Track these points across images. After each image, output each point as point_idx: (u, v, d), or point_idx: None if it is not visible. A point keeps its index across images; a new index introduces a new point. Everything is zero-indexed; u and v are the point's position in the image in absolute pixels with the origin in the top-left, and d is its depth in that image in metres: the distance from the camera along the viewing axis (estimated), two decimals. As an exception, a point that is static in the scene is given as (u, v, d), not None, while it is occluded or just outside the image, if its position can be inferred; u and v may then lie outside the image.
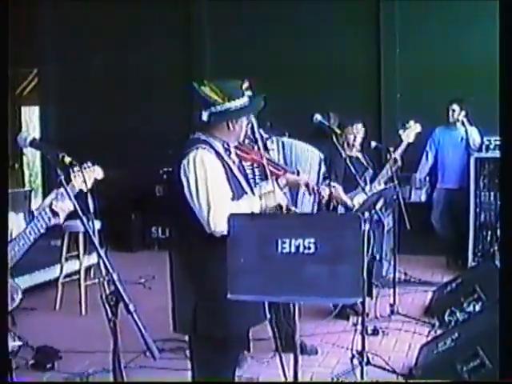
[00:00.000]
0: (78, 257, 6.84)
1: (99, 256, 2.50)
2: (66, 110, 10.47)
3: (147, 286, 7.44)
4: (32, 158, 14.64)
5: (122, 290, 2.42)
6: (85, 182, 3.37)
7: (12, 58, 10.49)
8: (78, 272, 6.81)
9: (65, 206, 3.50)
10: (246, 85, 3.70)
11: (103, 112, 10.02)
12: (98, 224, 6.00)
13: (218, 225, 3.41)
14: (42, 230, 3.63)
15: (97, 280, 6.89)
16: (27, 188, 13.38)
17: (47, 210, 3.57)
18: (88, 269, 7.31)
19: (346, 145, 6.28)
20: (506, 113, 2.98)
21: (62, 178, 2.61)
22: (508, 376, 2.60)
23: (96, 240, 2.51)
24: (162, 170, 9.30)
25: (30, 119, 14.13)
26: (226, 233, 3.35)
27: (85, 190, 3.17)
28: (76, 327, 6.26)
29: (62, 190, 3.35)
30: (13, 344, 5.46)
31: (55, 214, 3.59)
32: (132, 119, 9.76)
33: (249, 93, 3.74)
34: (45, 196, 11.12)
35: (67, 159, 2.66)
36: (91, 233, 2.52)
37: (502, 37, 3.00)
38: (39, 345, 5.43)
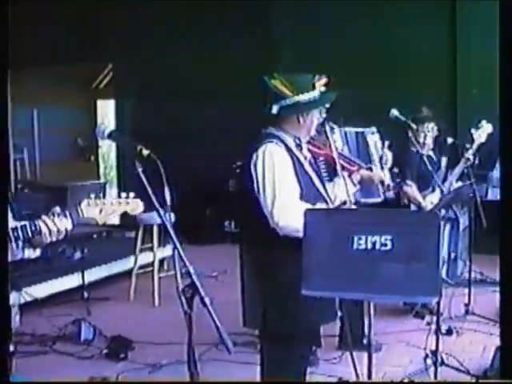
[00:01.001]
0: (152, 249, 6.93)
1: (175, 248, 2.50)
2: (141, 103, 10.60)
3: (220, 280, 7.48)
4: (107, 151, 14.91)
5: (198, 283, 2.43)
6: (100, 212, 2.88)
7: (88, 54, 10.75)
8: (152, 264, 6.89)
9: (61, 225, 2.81)
10: (323, 81, 3.68)
11: (178, 106, 10.11)
12: (173, 217, 6.03)
13: (281, 218, 3.41)
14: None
15: (170, 272, 6.98)
16: (102, 180, 13.66)
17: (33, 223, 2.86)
18: (162, 261, 7.39)
19: (419, 142, 6.19)
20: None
21: (140, 170, 2.62)
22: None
23: (172, 232, 2.52)
24: (235, 165, 9.32)
25: (106, 113, 14.39)
26: (288, 227, 3.36)
27: (99, 223, 2.85)
28: (149, 318, 6.35)
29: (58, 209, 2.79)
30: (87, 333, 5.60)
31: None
32: (207, 113, 9.81)
33: (322, 88, 3.72)
34: (120, 188, 11.33)
35: (145, 152, 2.67)
36: (168, 225, 2.53)
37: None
38: (113, 334, 5.52)
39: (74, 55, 10.63)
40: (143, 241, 7.05)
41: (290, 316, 3.53)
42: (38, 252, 2.89)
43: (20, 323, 5.91)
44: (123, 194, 2.79)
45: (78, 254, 7.00)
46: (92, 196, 2.73)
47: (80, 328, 5.61)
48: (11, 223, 2.68)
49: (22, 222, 2.66)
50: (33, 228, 2.62)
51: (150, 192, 2.59)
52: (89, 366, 5.16)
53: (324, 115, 3.92)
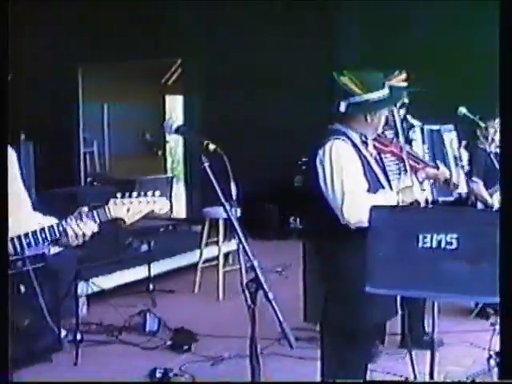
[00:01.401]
0: (217, 243, 6.99)
1: (240, 243, 2.52)
2: (209, 99, 10.67)
3: (284, 275, 7.50)
4: (175, 146, 15.07)
5: (261, 278, 2.44)
6: (128, 211, 2.71)
7: (158, 50, 10.86)
8: (217, 258, 6.96)
9: (87, 228, 2.67)
10: (402, 76, 3.64)
11: (244, 102, 10.14)
12: (238, 211, 6.10)
13: (352, 215, 3.39)
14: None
15: (234, 266, 7.03)
16: (169, 174, 13.82)
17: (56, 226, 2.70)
18: (226, 255, 7.45)
19: (487, 139, 6.08)
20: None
21: (206, 165, 2.63)
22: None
23: (238, 227, 2.53)
24: (300, 161, 9.32)
25: (174, 108, 14.54)
26: (360, 224, 3.33)
27: (127, 223, 2.71)
28: (212, 311, 6.41)
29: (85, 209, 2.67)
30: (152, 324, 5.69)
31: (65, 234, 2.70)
32: (272, 109, 9.83)
33: (401, 83, 3.68)
34: (187, 183, 11.45)
35: (211, 146, 2.68)
36: (233, 219, 2.54)
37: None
38: (177, 327, 5.59)
39: (145, 51, 10.76)
40: (209, 235, 7.12)
41: (352, 312, 3.52)
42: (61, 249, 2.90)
43: (87, 313, 6.04)
44: (149, 193, 2.76)
45: (144, 247, 7.11)
46: (118, 195, 2.70)
47: (145, 319, 5.71)
48: (39, 220, 2.69)
49: (50, 223, 2.64)
50: (60, 229, 2.61)
51: (217, 186, 2.60)
52: (153, 356, 5.24)
53: (395, 112, 3.90)
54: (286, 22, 9.94)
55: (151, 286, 6.60)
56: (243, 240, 2.52)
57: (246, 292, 2.47)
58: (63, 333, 5.28)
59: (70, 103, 11.43)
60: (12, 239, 2.49)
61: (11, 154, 2.70)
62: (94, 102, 12.11)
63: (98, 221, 2.62)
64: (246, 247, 2.50)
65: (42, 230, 2.55)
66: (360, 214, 3.31)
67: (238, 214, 6.64)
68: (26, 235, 2.51)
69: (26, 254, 2.76)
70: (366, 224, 3.20)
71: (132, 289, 6.71)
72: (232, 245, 7.29)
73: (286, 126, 9.54)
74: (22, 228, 2.56)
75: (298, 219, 9.87)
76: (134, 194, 2.67)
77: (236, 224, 2.55)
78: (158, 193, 2.74)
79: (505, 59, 2.61)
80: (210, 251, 7.20)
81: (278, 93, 9.85)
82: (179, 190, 12.95)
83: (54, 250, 2.76)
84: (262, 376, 2.55)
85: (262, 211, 9.95)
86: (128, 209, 2.65)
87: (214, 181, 2.61)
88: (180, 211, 12.01)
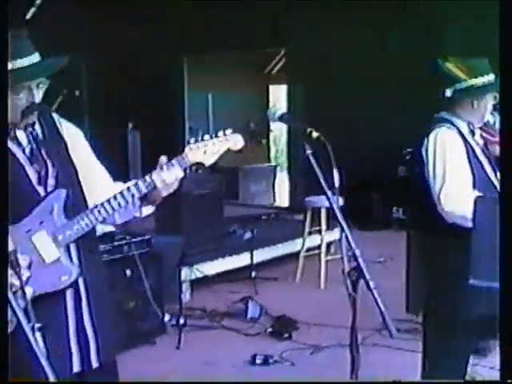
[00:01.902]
0: (319, 232, 7.00)
1: (342, 231, 2.52)
2: (312, 88, 10.66)
3: (385, 265, 7.44)
4: (278, 135, 15.15)
5: (363, 267, 2.43)
6: (205, 153, 2.64)
7: (262, 39, 10.89)
8: (319, 247, 6.97)
9: (171, 175, 2.59)
10: None
11: (347, 91, 10.09)
12: (341, 200, 6.02)
13: (448, 203, 3.32)
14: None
15: (336, 256, 7.03)
16: (273, 163, 13.92)
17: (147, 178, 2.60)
18: (328, 244, 7.45)
19: None
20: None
21: (309, 152, 2.64)
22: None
23: (340, 215, 2.53)
24: (405, 151, 9.21)
25: (277, 98, 14.61)
26: (455, 213, 3.27)
27: (206, 165, 2.67)
28: (314, 300, 6.42)
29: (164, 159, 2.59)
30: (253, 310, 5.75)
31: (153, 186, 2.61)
32: (375, 99, 9.74)
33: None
34: (290, 172, 11.49)
35: (315, 134, 2.67)
36: (335, 208, 2.54)
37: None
38: (278, 314, 5.64)
39: (249, 41, 10.85)
40: (311, 224, 7.13)
41: (455, 303, 3.46)
42: (153, 208, 2.86)
43: (190, 298, 6.17)
44: (220, 133, 2.72)
45: (247, 235, 7.18)
46: (192, 140, 2.67)
47: (247, 306, 5.79)
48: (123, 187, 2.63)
49: (132, 182, 2.58)
50: (146, 184, 2.62)
51: (319, 174, 2.60)
52: (254, 343, 5.32)
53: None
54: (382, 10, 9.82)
55: (253, 274, 6.67)
56: (346, 228, 2.52)
57: (348, 280, 2.47)
58: (167, 317, 5.42)
59: (176, 93, 11.65)
60: (102, 204, 2.50)
61: (77, 134, 2.75)
62: (199, 92, 12.30)
63: (179, 167, 2.60)
64: (349, 236, 2.50)
65: (128, 188, 2.54)
66: (456, 203, 3.25)
67: (341, 203, 6.61)
68: (115, 197, 2.52)
69: (118, 222, 2.75)
70: (460, 214, 3.15)
71: (234, 276, 6.80)
72: (334, 234, 7.28)
73: (390, 116, 9.44)
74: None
75: (401, 209, 9.76)
76: (206, 136, 2.66)
77: (338, 212, 2.54)
78: (229, 130, 2.70)
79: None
80: (312, 240, 7.21)
81: (381, 81, 9.75)
82: (282, 178, 13.02)
83: (147, 210, 2.72)
84: (361, 366, 2.55)
85: (365, 201, 9.89)
86: (205, 151, 2.63)
87: (316, 169, 2.60)
88: (283, 200, 12.09)
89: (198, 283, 6.34)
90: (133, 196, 2.54)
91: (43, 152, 2.56)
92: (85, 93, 11.22)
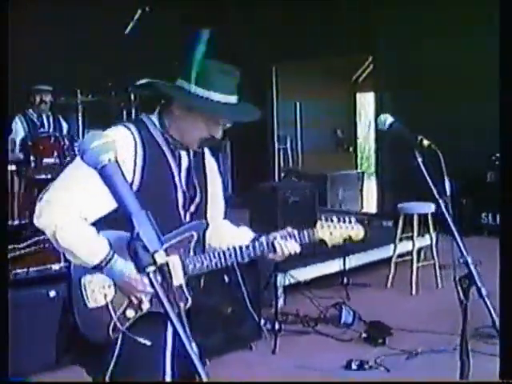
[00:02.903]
0: (411, 238, 7.02)
1: (454, 239, 2.55)
2: (401, 96, 10.62)
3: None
4: (364, 142, 15.16)
5: (475, 274, 2.47)
6: (331, 235, 2.77)
7: (349, 47, 10.92)
8: (410, 253, 6.99)
9: (292, 248, 2.71)
10: None
11: (436, 98, 10.02)
12: (432, 207, 6.03)
13: None
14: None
15: (427, 262, 7.04)
16: (359, 170, 13.92)
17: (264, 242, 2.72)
18: (419, 250, 7.44)
19: None
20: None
21: (420, 161, 2.70)
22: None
23: (451, 223, 2.56)
24: (494, 156, 9.13)
25: (363, 105, 14.62)
26: None
27: (329, 245, 2.79)
28: (406, 306, 6.44)
29: (290, 230, 2.75)
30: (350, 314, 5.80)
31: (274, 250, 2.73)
32: (464, 104, 9.65)
33: None
34: (378, 178, 11.48)
35: (426, 142, 2.74)
36: (447, 215, 2.58)
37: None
38: (371, 320, 5.69)
39: (336, 49, 10.89)
40: (403, 230, 7.15)
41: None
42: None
43: (284, 303, 6.28)
44: (347, 219, 2.84)
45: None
46: (323, 218, 2.80)
47: (341, 311, 5.86)
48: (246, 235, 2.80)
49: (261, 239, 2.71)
50: (269, 246, 2.68)
51: (430, 182, 2.66)
52: (348, 348, 5.37)
53: None
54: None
55: (346, 280, 6.74)
56: (456, 234, 2.55)
57: (459, 287, 2.51)
58: (262, 322, 5.54)
59: (266, 102, 11.81)
60: (234, 249, 2.64)
61: (215, 167, 2.87)
62: (287, 100, 12.43)
63: (304, 240, 2.72)
64: (459, 242, 2.53)
65: (254, 245, 2.67)
66: None
67: (432, 209, 6.64)
68: (247, 247, 2.65)
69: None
70: None
71: (327, 281, 6.86)
72: (426, 240, 7.28)
73: (479, 122, 9.34)
74: None
75: (490, 215, 9.64)
76: (335, 218, 2.78)
77: (450, 220, 2.58)
78: (353, 219, 2.83)
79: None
80: (402, 246, 7.23)
81: (470, 89, 9.65)
82: (370, 185, 13.02)
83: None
84: (470, 372, 2.58)
85: (454, 206, 9.78)
86: (331, 232, 2.76)
87: (427, 177, 2.66)
88: (370, 206, 12.09)
89: (291, 289, 6.44)
90: (254, 250, 2.68)
91: (195, 179, 2.69)
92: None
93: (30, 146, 6.81)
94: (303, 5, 10.78)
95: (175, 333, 2.58)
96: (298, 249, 2.71)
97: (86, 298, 2.51)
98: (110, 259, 2.47)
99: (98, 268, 2.48)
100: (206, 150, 2.81)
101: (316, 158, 12.72)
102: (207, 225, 2.66)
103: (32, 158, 6.73)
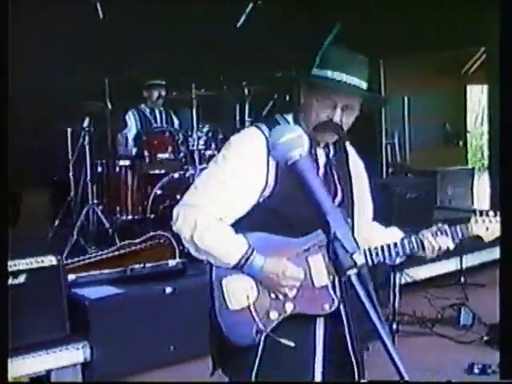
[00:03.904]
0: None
1: None
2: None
3: None
4: (475, 136, 14.74)
5: None
6: (487, 230, 2.64)
7: (460, 39, 10.55)
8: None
9: (444, 244, 2.61)
10: None
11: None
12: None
13: None
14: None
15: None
16: (470, 166, 13.51)
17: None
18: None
19: None
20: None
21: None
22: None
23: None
24: None
25: (474, 99, 14.21)
26: None
27: (485, 241, 2.64)
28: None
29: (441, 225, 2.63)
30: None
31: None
32: None
33: None
34: (491, 175, 11.09)
35: None
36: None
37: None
38: (492, 322, 5.46)
39: (446, 41, 10.61)
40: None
41: None
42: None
43: (400, 303, 6.10)
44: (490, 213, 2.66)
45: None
46: (478, 212, 2.64)
47: (459, 312, 5.65)
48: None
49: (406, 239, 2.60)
50: (418, 244, 2.57)
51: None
52: (468, 351, 5.17)
53: None
54: None
55: (463, 279, 6.51)
56: None
57: None
58: (378, 322, 5.39)
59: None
60: (382, 248, 2.54)
61: (359, 164, 2.77)
62: (394, 95, 12.19)
63: (457, 236, 2.61)
64: None
65: (402, 242, 2.58)
66: None
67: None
68: (395, 244, 2.56)
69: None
70: None
71: (443, 281, 6.66)
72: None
73: None
74: None
75: None
76: (491, 212, 2.64)
77: None
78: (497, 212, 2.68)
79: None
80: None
81: None
82: (481, 181, 12.64)
83: (400, 259, 2.74)
84: None
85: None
86: (487, 228, 2.63)
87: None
88: (482, 203, 11.71)
89: (407, 288, 6.25)
90: (403, 247, 2.58)
91: (335, 177, 2.61)
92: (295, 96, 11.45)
93: (144, 140, 6.83)
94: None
95: (326, 335, 2.57)
96: (451, 245, 2.61)
97: (227, 299, 2.48)
98: (250, 256, 2.44)
99: (238, 267, 2.45)
100: (351, 149, 2.74)
101: (424, 153, 12.40)
102: (351, 223, 2.55)
103: (146, 153, 6.75)
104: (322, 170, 2.58)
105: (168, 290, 4.91)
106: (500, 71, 2.67)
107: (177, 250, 5.18)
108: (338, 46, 2.56)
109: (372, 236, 2.70)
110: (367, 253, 2.53)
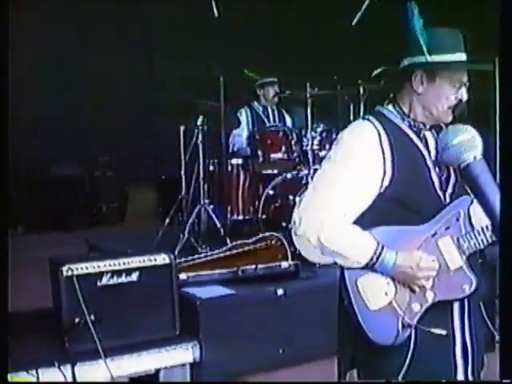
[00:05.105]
0: None
1: None
2: None
3: None
4: None
5: None
6: None
7: None
8: None
9: None
10: None
11: None
12: None
13: None
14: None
15: None
16: None
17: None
18: None
19: None
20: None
21: None
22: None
23: None
24: None
25: None
26: None
27: None
28: None
29: None
30: None
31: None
32: None
33: None
34: None
35: None
36: None
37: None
38: None
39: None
40: None
41: None
42: None
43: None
44: None
45: None
46: None
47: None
48: None
49: None
50: None
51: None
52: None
53: None
54: None
55: None
56: None
57: None
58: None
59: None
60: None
61: None
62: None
63: None
64: None
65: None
66: None
67: None
68: None
69: None
70: None
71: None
72: None
73: None
74: None
75: None
76: None
77: None
78: None
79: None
80: None
81: None
82: None
83: None
84: None
85: None
86: None
87: None
88: None
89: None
90: None
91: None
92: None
93: (257, 140, 6.75)
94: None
95: (463, 320, 2.47)
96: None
97: (367, 300, 2.43)
98: (381, 253, 2.39)
99: (369, 266, 2.41)
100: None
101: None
102: (471, 200, 2.45)
103: (259, 152, 6.69)
104: (433, 153, 2.53)
105: (280, 292, 4.84)
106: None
107: (289, 252, 5.09)
108: (430, 24, 2.53)
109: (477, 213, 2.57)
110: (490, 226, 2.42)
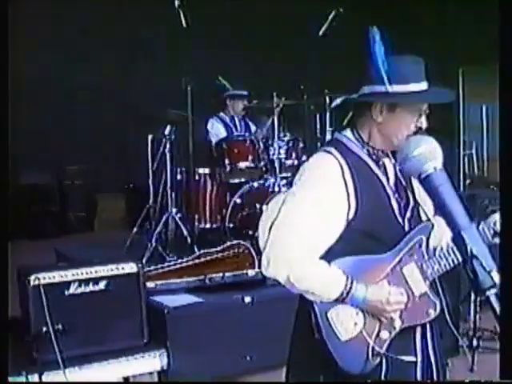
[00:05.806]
0: None
1: None
2: None
3: None
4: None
5: None
6: None
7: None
8: None
9: None
10: None
11: None
12: None
13: None
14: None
15: None
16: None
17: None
18: None
19: None
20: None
21: None
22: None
23: None
24: None
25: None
26: None
27: None
28: None
29: None
30: None
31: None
32: None
33: None
34: None
35: None
36: None
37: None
38: None
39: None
40: None
41: None
42: None
43: (480, 318, 5.93)
44: None
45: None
46: None
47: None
48: None
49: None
50: (490, 230, 2.43)
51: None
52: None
53: None
54: None
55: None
56: None
57: None
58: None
59: (453, 105, 11.43)
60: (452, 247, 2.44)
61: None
62: (473, 104, 11.96)
63: None
64: None
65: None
66: None
67: None
68: None
69: None
70: None
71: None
72: None
73: None
74: None
75: None
76: None
77: None
78: None
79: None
80: None
81: None
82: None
83: None
84: None
85: None
86: None
87: None
88: None
89: (487, 302, 6.08)
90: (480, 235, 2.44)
91: (403, 184, 2.57)
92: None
93: (224, 149, 6.80)
94: (492, 5, 10.31)
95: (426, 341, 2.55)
96: None
97: (337, 331, 2.44)
98: (351, 288, 2.40)
99: (340, 300, 2.42)
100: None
101: (503, 165, 12.10)
102: (432, 225, 2.49)
103: (227, 161, 6.74)
104: (392, 180, 2.55)
105: (247, 299, 4.89)
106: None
107: (256, 260, 5.14)
108: (392, 52, 2.48)
109: (440, 230, 2.57)
110: (453, 249, 2.44)
